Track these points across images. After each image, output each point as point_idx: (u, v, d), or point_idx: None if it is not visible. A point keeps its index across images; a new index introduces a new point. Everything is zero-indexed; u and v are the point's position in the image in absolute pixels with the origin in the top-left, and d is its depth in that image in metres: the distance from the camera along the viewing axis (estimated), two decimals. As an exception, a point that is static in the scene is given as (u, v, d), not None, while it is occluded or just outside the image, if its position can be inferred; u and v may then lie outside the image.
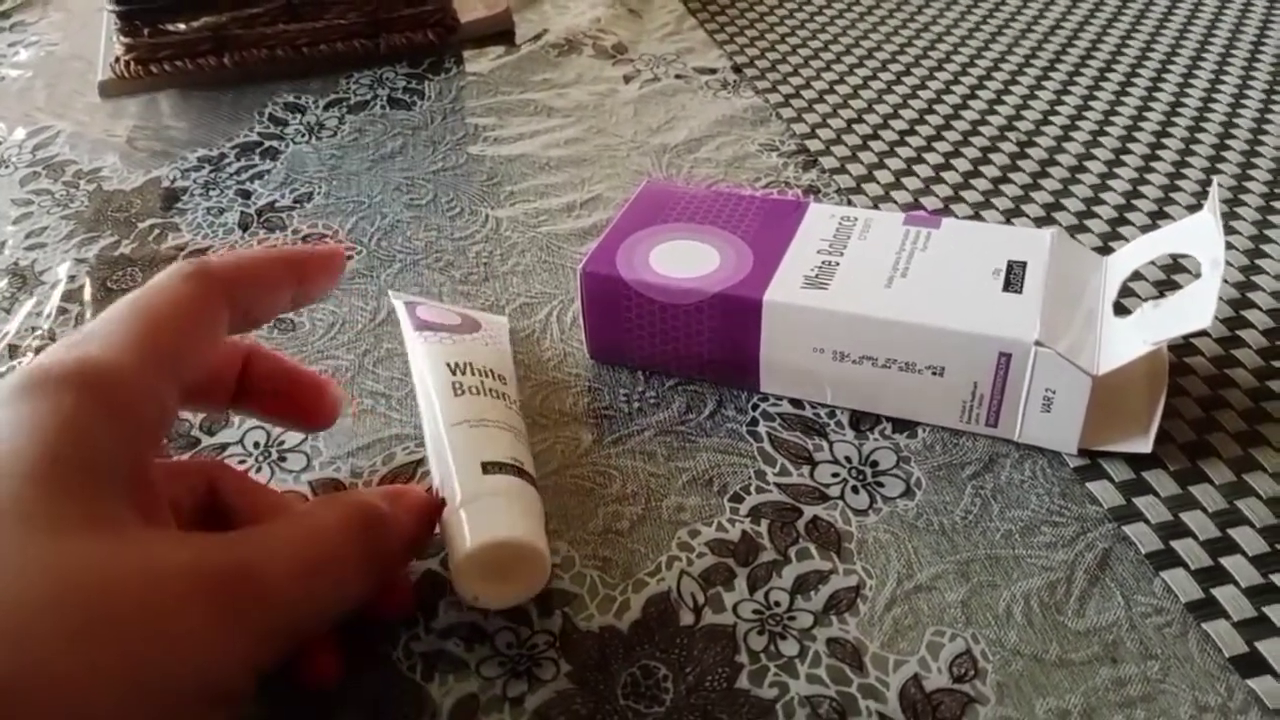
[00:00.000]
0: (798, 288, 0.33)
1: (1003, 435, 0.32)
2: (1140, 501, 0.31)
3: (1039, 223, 0.43)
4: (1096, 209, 0.44)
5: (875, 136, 0.50)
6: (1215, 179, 0.35)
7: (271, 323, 0.39)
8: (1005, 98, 0.53)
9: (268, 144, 0.51)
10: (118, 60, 0.56)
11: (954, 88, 0.54)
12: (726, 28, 0.61)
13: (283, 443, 0.34)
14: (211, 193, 0.48)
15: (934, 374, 0.32)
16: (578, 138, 0.50)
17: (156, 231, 0.45)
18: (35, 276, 0.43)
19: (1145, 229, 0.42)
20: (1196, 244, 0.32)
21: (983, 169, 0.47)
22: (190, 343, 0.24)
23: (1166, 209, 0.44)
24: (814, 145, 0.49)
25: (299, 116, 0.54)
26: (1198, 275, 0.31)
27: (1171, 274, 0.40)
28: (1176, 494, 0.31)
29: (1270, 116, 0.50)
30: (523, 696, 0.26)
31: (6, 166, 0.51)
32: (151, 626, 0.19)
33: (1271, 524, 0.30)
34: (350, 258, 0.43)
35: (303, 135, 0.52)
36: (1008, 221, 0.43)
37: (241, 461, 0.33)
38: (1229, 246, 0.41)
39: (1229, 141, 0.48)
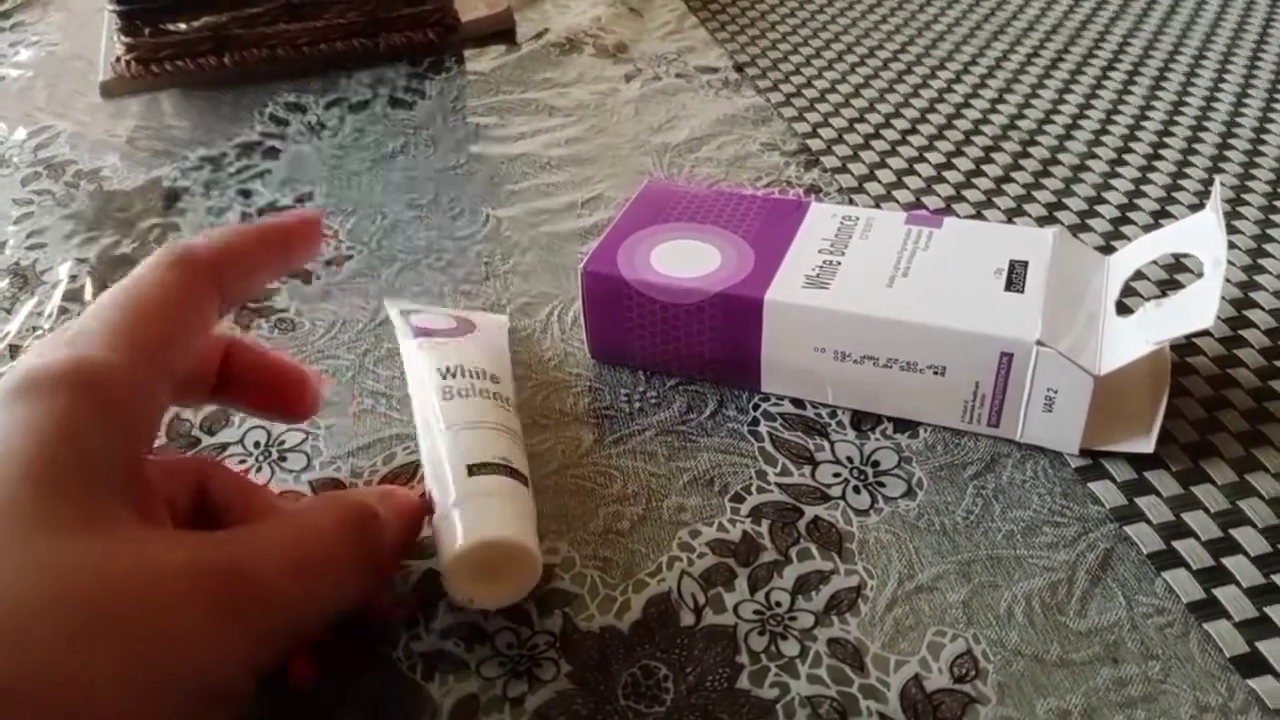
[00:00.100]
0: (799, 287, 0.33)
1: (1004, 435, 0.32)
2: (1142, 501, 0.31)
3: (1041, 222, 0.43)
4: (1099, 208, 0.44)
5: (877, 135, 0.50)
6: (1218, 178, 0.35)
7: (272, 323, 0.39)
8: (1007, 96, 0.53)
9: (269, 143, 0.51)
10: (118, 60, 0.56)
11: (956, 87, 0.54)
12: (728, 26, 0.61)
13: (283, 442, 0.34)
14: (212, 192, 0.48)
15: (935, 374, 0.32)
16: (579, 137, 0.50)
17: (158, 231, 0.45)
18: (36, 276, 0.43)
19: (1147, 228, 0.42)
20: (1199, 243, 0.32)
21: (985, 168, 0.47)
22: (181, 333, 0.24)
23: (1169, 208, 0.44)
24: (815, 144, 0.49)
25: (300, 116, 0.54)
26: (1200, 275, 0.30)
27: (1174, 274, 0.40)
28: (1178, 494, 0.31)
29: (1273, 116, 0.50)
30: (523, 697, 0.26)
31: (7, 166, 0.51)
32: (150, 626, 0.19)
33: (1273, 524, 0.30)
34: (345, 257, 0.43)
35: (304, 135, 0.52)
36: (1010, 221, 0.43)
37: (242, 461, 0.33)
38: (1231, 246, 0.41)
39: (1231, 141, 0.48)
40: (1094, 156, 0.47)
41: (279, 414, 0.30)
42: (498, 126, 0.52)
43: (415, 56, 0.59)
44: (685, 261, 0.34)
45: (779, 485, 0.31)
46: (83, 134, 0.53)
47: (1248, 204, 0.44)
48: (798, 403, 0.34)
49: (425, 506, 0.28)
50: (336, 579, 0.23)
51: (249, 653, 0.21)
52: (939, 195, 0.45)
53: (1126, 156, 0.47)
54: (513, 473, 0.28)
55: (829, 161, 0.48)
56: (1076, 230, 0.43)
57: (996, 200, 0.45)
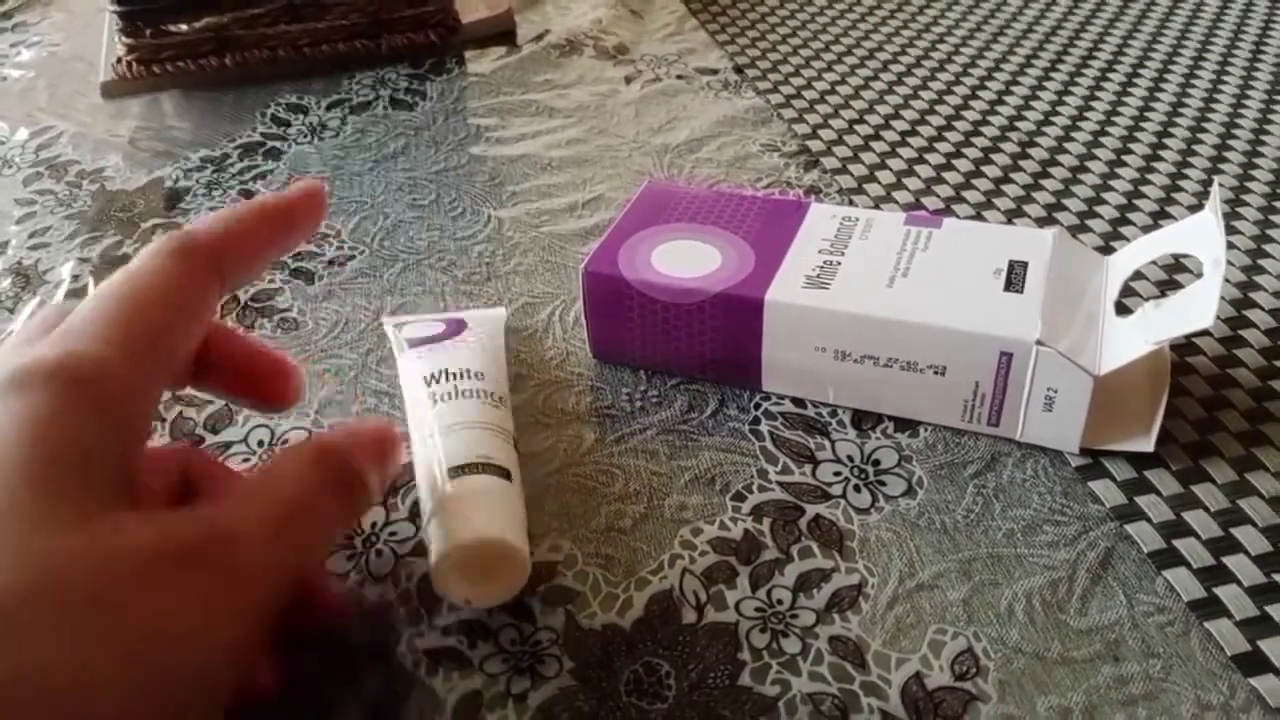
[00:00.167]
0: (799, 287, 0.33)
1: (1004, 434, 0.32)
2: (1142, 500, 0.31)
3: (1040, 223, 0.43)
4: (1098, 209, 0.44)
5: (877, 137, 0.50)
6: (1217, 179, 0.36)
7: (275, 322, 0.39)
8: (1007, 98, 0.53)
9: (270, 144, 0.51)
10: (120, 61, 0.56)
11: (956, 88, 0.54)
12: (728, 28, 0.61)
13: (285, 440, 0.34)
14: (214, 193, 0.48)
15: (936, 373, 0.32)
16: (579, 138, 0.50)
17: (159, 231, 0.45)
18: (39, 276, 0.43)
19: (1147, 229, 0.43)
20: (1198, 244, 0.32)
21: (984, 169, 0.47)
22: (182, 322, 0.24)
23: (1168, 209, 0.44)
24: (815, 145, 0.49)
25: (301, 117, 0.54)
26: (1199, 275, 0.31)
27: (1173, 274, 0.40)
28: (1179, 493, 0.31)
29: (1272, 116, 0.50)
30: (526, 693, 0.26)
31: (10, 167, 0.51)
32: (142, 614, 0.19)
33: (1274, 523, 0.30)
34: (348, 257, 0.43)
35: (305, 136, 0.52)
36: (1009, 221, 0.44)
37: (245, 459, 0.33)
38: (1231, 246, 0.41)
39: (1231, 141, 0.48)
40: (1093, 157, 0.48)
41: (259, 403, 0.29)
42: (498, 128, 0.52)
43: (416, 58, 0.59)
44: (686, 262, 0.34)
45: (780, 484, 0.32)
46: (84, 134, 0.53)
47: (1247, 204, 0.44)
48: (798, 402, 0.34)
49: (394, 430, 0.27)
50: (318, 521, 0.23)
51: (242, 621, 0.20)
52: (938, 196, 0.45)
53: (1126, 157, 0.48)
54: (495, 469, 0.29)
55: (829, 162, 0.48)
56: (1076, 231, 0.43)
57: (996, 201, 0.45)
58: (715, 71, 0.56)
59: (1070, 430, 0.31)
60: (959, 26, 0.61)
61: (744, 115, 0.52)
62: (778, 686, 0.26)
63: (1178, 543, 0.29)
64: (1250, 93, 0.53)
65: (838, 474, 0.32)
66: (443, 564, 0.26)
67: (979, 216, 0.44)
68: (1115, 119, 0.51)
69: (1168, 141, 0.49)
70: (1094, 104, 0.52)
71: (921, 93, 0.54)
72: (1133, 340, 0.30)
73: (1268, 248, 0.41)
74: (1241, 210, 0.43)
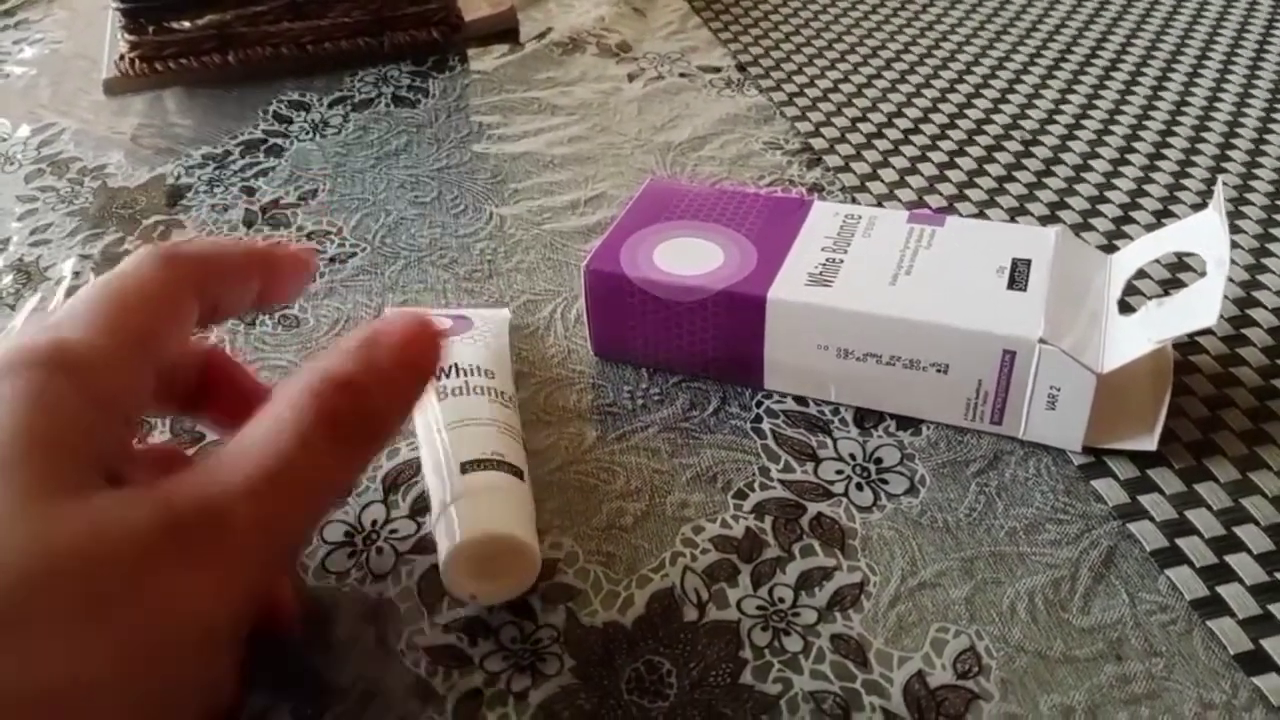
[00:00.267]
0: (802, 285, 0.33)
1: (1007, 433, 0.32)
2: (1145, 499, 0.31)
3: (1043, 221, 0.43)
4: (1101, 207, 0.44)
5: (879, 135, 0.50)
6: (1220, 177, 0.35)
7: (276, 319, 0.39)
8: (1010, 96, 0.53)
9: (272, 141, 0.51)
10: (122, 58, 0.56)
11: (959, 86, 0.54)
12: (730, 26, 0.61)
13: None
14: (216, 190, 0.48)
15: (938, 371, 0.32)
16: (582, 136, 0.50)
17: (161, 228, 0.45)
18: (40, 272, 0.43)
19: (1150, 227, 0.42)
20: (1202, 242, 0.32)
21: (987, 167, 0.47)
22: (162, 326, 0.24)
23: (1171, 207, 0.44)
24: (818, 143, 0.49)
25: (303, 114, 0.54)
26: (1203, 273, 0.30)
27: (1176, 272, 0.40)
28: (1181, 492, 0.31)
29: (1276, 114, 0.50)
30: (527, 691, 0.26)
31: (12, 163, 0.51)
32: (137, 605, 0.18)
33: (1276, 522, 0.30)
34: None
35: (307, 132, 0.52)
36: (1012, 219, 0.43)
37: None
38: (1234, 245, 0.41)
39: (1234, 140, 0.48)
40: (1096, 155, 0.47)
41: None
42: (501, 125, 0.52)
43: (419, 55, 0.59)
44: (688, 259, 0.34)
45: (782, 482, 0.32)
46: (87, 131, 0.53)
47: (1250, 203, 0.44)
48: (800, 400, 0.34)
49: (428, 326, 0.23)
50: (315, 479, 0.21)
51: (235, 605, 0.20)
52: (941, 194, 0.45)
53: (1129, 156, 0.47)
54: (508, 467, 0.29)
55: (831, 160, 0.48)
56: (1079, 229, 0.43)
57: (999, 199, 0.45)
58: (718, 69, 0.56)
59: (1073, 429, 0.31)
60: (963, 24, 0.61)
61: (746, 113, 0.52)
62: (779, 685, 0.26)
63: (1180, 541, 0.29)
64: (1254, 91, 0.52)
65: (840, 472, 0.32)
66: (456, 556, 0.26)
67: (982, 214, 0.44)
68: (1119, 117, 0.51)
69: (1171, 140, 0.48)
70: (1098, 102, 0.52)
71: (924, 90, 0.54)
72: (1136, 338, 0.30)
73: (1271, 246, 0.41)
74: (1245, 209, 0.43)
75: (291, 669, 0.26)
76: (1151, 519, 0.30)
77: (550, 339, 0.38)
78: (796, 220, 0.36)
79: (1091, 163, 0.47)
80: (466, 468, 0.28)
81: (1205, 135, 0.49)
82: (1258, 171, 0.46)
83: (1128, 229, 0.42)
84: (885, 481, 0.31)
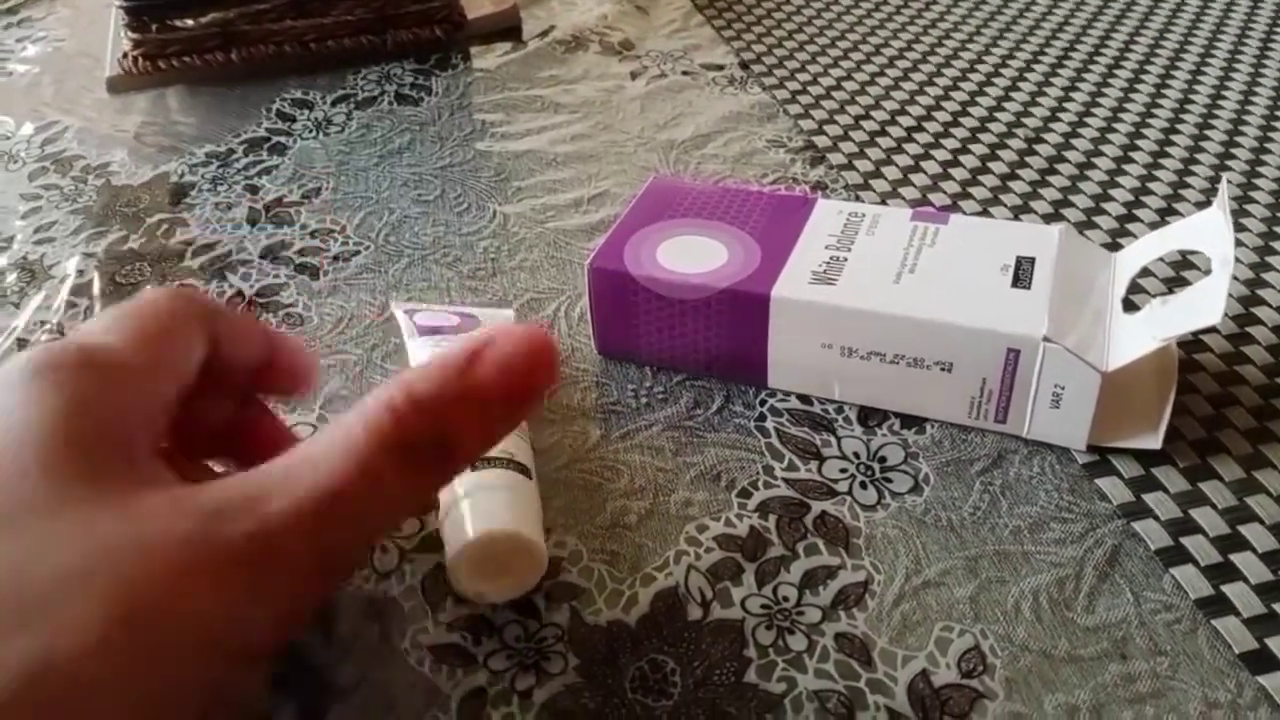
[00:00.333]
0: (806, 283, 0.33)
1: (1011, 431, 0.32)
2: (1149, 498, 0.31)
3: (1047, 219, 0.43)
4: (1105, 205, 0.44)
5: (883, 133, 0.50)
6: (1224, 176, 0.35)
7: (280, 317, 0.39)
8: (1014, 94, 0.53)
9: (275, 139, 0.51)
10: (125, 56, 0.56)
11: (962, 84, 0.54)
12: (733, 24, 0.61)
13: (291, 437, 0.34)
14: (219, 188, 0.48)
15: (942, 370, 0.32)
16: (585, 134, 0.50)
17: (165, 226, 0.45)
18: (44, 271, 0.43)
19: (1154, 226, 0.42)
20: (1206, 240, 0.32)
21: (991, 165, 0.47)
22: (176, 349, 0.24)
23: (1175, 206, 0.44)
24: (821, 141, 0.49)
25: (306, 112, 0.54)
26: (1207, 272, 0.30)
27: (1181, 271, 0.39)
28: (1186, 490, 0.31)
29: (1280, 113, 0.50)
30: (531, 690, 0.26)
31: (15, 162, 0.51)
32: (180, 613, 0.18)
33: (1281, 521, 0.30)
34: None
35: (310, 131, 0.52)
36: (1016, 218, 0.43)
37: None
38: (1239, 243, 0.41)
39: (1238, 138, 0.48)
40: (1100, 154, 0.47)
41: None
42: (504, 123, 0.52)
43: (422, 53, 0.59)
44: (692, 257, 0.34)
45: (786, 480, 0.32)
46: (90, 129, 0.53)
47: (1255, 201, 0.44)
48: (804, 398, 0.34)
49: (547, 345, 0.21)
50: (382, 497, 0.20)
51: (277, 628, 0.20)
52: (945, 192, 0.45)
53: (1133, 154, 0.47)
54: (516, 466, 0.29)
55: (835, 158, 0.48)
56: (1082, 227, 0.43)
57: (1003, 197, 0.45)
58: (721, 67, 0.56)
59: (1077, 427, 0.31)
60: (966, 22, 0.61)
61: (750, 111, 0.52)
62: (783, 683, 0.26)
63: (1185, 540, 0.29)
64: (1258, 89, 0.52)
65: (844, 470, 0.32)
66: (465, 554, 0.26)
67: (985, 212, 0.44)
68: (1122, 115, 0.50)
69: (1175, 138, 0.48)
70: (1101, 99, 0.52)
71: (928, 88, 0.54)
72: (1140, 337, 0.30)
73: (1276, 244, 0.41)
74: (1249, 207, 0.43)
75: (294, 668, 0.26)
76: (1156, 518, 0.30)
77: (554, 337, 0.37)
78: (800, 218, 0.36)
79: (1095, 160, 0.47)
80: (474, 465, 0.28)
81: (1209, 133, 0.49)
82: (1262, 169, 0.46)
83: (1132, 227, 0.42)
84: (889, 480, 0.31)
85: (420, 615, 0.28)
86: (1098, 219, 0.43)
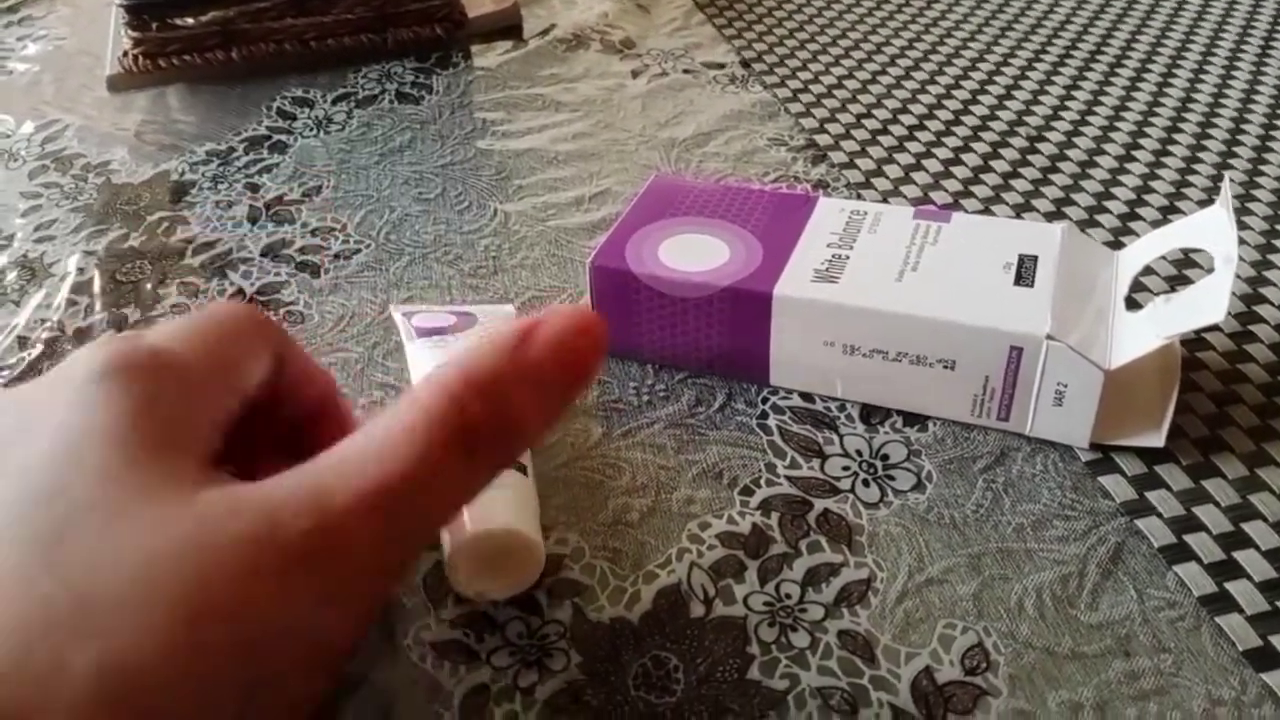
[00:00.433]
0: (808, 281, 0.33)
1: (1014, 429, 0.32)
2: (1153, 495, 0.30)
3: (1049, 217, 0.43)
4: (1107, 203, 0.44)
5: (885, 131, 0.50)
6: (1227, 174, 0.35)
7: (281, 315, 0.39)
8: (1015, 92, 0.53)
9: (276, 138, 0.51)
10: (125, 54, 0.56)
11: (964, 82, 0.54)
12: (734, 22, 0.61)
13: (292, 434, 0.34)
14: (220, 186, 0.48)
15: (945, 368, 0.32)
16: (586, 132, 0.50)
17: (165, 224, 0.45)
18: (45, 269, 0.43)
19: (1156, 224, 0.42)
20: (1209, 239, 0.32)
21: (993, 163, 0.47)
22: (243, 355, 0.24)
23: (1177, 204, 0.44)
24: (823, 140, 0.49)
25: (307, 110, 0.54)
26: (1210, 270, 0.30)
27: (1183, 269, 0.39)
28: (1189, 488, 0.31)
29: (1281, 112, 0.50)
30: (534, 687, 0.26)
31: (15, 160, 0.51)
32: (247, 615, 0.18)
33: (1284, 518, 0.30)
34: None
35: (311, 129, 0.52)
36: (1018, 216, 0.43)
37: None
38: (1241, 241, 0.41)
39: (1240, 136, 0.48)
40: (1102, 152, 0.47)
41: None
42: (505, 121, 0.52)
43: (422, 52, 0.59)
44: (693, 256, 0.34)
45: (788, 478, 0.31)
46: (90, 128, 0.53)
47: (1257, 199, 0.44)
48: (806, 396, 0.34)
49: (594, 321, 0.20)
50: (445, 485, 0.19)
51: (345, 625, 0.19)
52: (947, 190, 0.45)
53: (1135, 152, 0.47)
54: (514, 464, 0.28)
55: (836, 157, 0.48)
56: (1085, 225, 0.43)
57: (1005, 195, 0.45)
58: (722, 65, 0.56)
59: (1080, 425, 0.31)
60: (968, 20, 0.61)
61: (751, 109, 0.52)
62: (786, 680, 0.26)
63: (1188, 538, 0.29)
64: (1260, 87, 0.52)
65: (846, 468, 0.32)
66: (461, 552, 0.26)
67: (988, 211, 0.44)
68: (1125, 113, 0.50)
69: (1177, 136, 0.48)
70: (1103, 98, 0.52)
71: (929, 87, 0.54)
72: (1143, 335, 0.30)
73: (1278, 242, 0.41)
74: (1251, 205, 0.43)
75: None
76: (1159, 515, 0.30)
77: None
78: (802, 216, 0.36)
79: (1097, 159, 0.47)
80: None
81: (1212, 131, 0.49)
82: (1264, 167, 0.46)
83: (1134, 225, 0.42)
84: (892, 478, 0.31)
85: (422, 612, 0.28)
86: (1100, 217, 0.43)
